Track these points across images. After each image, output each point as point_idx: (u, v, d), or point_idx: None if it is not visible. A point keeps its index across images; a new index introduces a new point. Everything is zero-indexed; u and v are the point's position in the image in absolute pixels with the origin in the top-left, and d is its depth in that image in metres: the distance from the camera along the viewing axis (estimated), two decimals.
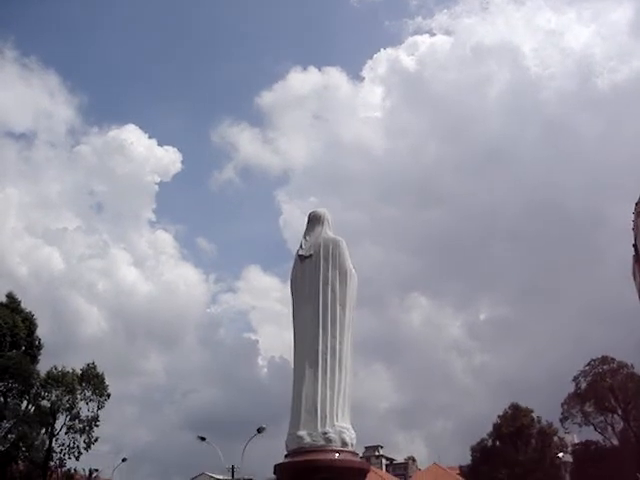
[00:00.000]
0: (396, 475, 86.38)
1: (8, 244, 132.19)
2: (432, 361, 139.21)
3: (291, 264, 12.49)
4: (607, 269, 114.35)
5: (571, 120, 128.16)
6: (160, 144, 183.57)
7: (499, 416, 57.28)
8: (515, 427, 55.45)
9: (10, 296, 55.03)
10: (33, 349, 54.37)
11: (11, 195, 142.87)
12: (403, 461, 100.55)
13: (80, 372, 54.97)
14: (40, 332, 55.71)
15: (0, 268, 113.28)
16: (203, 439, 49.16)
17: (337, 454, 10.65)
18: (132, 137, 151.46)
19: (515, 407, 56.96)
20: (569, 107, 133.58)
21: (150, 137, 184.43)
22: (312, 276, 11.63)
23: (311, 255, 11.84)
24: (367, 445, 72.61)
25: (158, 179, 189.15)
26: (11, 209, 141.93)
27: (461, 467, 66.72)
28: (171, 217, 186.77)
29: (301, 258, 12.01)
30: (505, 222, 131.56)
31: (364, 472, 11.39)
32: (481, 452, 56.92)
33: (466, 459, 60.27)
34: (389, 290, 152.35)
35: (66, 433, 53.98)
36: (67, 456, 53.83)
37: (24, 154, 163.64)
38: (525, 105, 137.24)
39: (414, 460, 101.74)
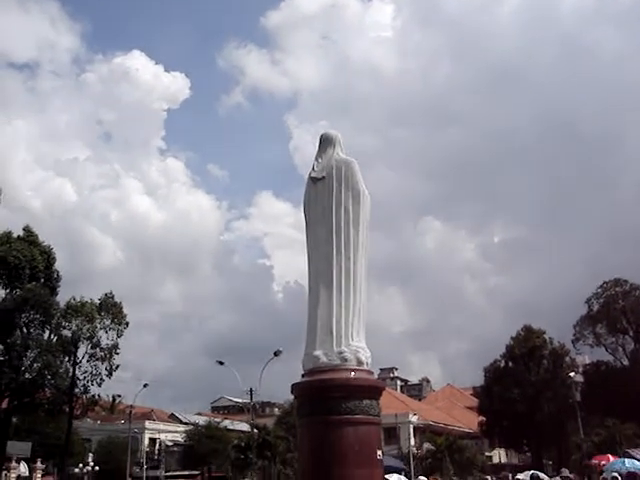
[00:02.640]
0: (411, 396, 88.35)
1: (20, 177, 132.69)
2: (446, 284, 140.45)
3: (303, 189, 12.44)
4: (622, 192, 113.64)
5: (589, 37, 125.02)
6: (167, 70, 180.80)
7: (512, 337, 58.03)
8: (527, 348, 56.21)
9: (27, 230, 55.54)
10: (52, 281, 55.25)
11: (19, 127, 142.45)
12: (417, 382, 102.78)
13: (98, 302, 55.95)
14: (57, 264, 56.47)
15: (14, 202, 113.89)
16: (221, 363, 50.20)
17: (353, 373, 10.83)
18: (138, 64, 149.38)
19: (528, 329, 57.61)
20: (587, 23, 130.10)
21: (156, 63, 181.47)
22: (325, 198, 11.58)
23: (323, 177, 11.75)
24: (382, 367, 73.99)
25: (166, 106, 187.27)
26: (20, 142, 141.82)
27: (474, 388, 68.27)
28: (181, 144, 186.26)
29: (313, 180, 11.93)
30: (520, 143, 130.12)
31: (379, 390, 11.61)
32: (494, 373, 57.94)
33: (479, 380, 61.52)
34: (402, 214, 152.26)
35: (88, 361, 55.43)
36: (90, 383, 55.40)
37: (29, 85, 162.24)
38: (541, 21, 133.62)
39: (428, 381, 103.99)
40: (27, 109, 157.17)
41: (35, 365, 52.22)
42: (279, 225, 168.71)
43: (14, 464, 48.44)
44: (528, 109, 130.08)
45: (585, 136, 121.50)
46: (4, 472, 40.69)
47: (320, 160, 12.06)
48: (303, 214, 12.12)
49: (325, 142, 12.28)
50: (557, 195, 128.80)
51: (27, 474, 48.38)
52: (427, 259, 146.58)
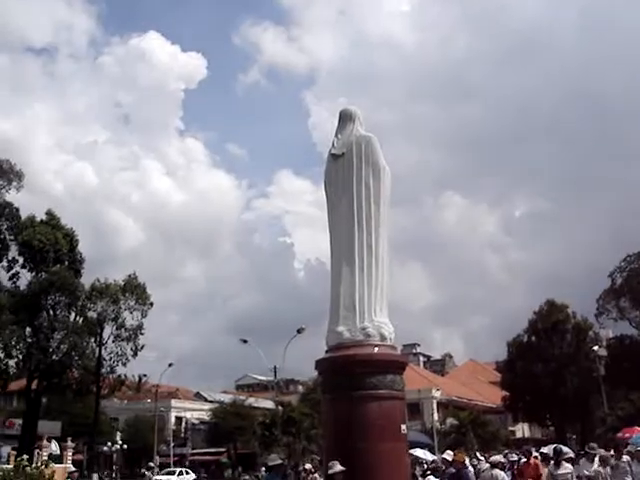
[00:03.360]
0: (433, 371, 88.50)
1: (41, 162, 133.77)
2: (467, 259, 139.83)
3: (323, 166, 12.44)
4: None
5: (610, 6, 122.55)
6: (183, 50, 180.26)
7: (535, 312, 57.74)
8: (551, 323, 55.91)
9: (49, 213, 56.09)
10: (76, 263, 55.88)
11: (38, 112, 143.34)
12: (440, 358, 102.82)
13: (122, 283, 56.54)
14: (80, 246, 57.09)
15: (36, 186, 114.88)
16: (245, 341, 50.55)
17: (376, 348, 10.90)
18: (154, 44, 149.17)
19: (551, 303, 57.26)
20: None
21: (173, 43, 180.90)
22: (345, 174, 11.59)
23: (343, 153, 11.75)
24: (404, 343, 74.08)
25: (183, 86, 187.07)
26: (40, 126, 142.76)
27: (497, 362, 68.12)
28: (200, 124, 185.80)
29: (334, 157, 11.93)
30: (541, 115, 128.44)
31: (402, 365, 11.67)
32: (517, 348, 57.74)
33: (502, 355, 61.34)
34: (423, 189, 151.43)
35: (113, 342, 56.20)
36: (116, 363, 56.22)
37: (47, 69, 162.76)
38: None
39: (451, 356, 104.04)
40: (46, 93, 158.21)
41: (62, 346, 53.04)
42: (299, 203, 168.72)
43: (45, 443, 49.38)
44: (549, 80, 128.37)
45: (607, 107, 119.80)
46: (36, 450, 41.49)
47: (340, 136, 12.05)
48: (324, 191, 12.13)
49: (344, 118, 12.25)
50: (579, 167, 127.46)
51: (58, 452, 49.24)
52: (448, 234, 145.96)
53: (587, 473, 13.23)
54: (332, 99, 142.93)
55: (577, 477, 13.72)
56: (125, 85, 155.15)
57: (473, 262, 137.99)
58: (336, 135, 12.16)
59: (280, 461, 16.40)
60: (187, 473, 53.78)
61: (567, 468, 13.64)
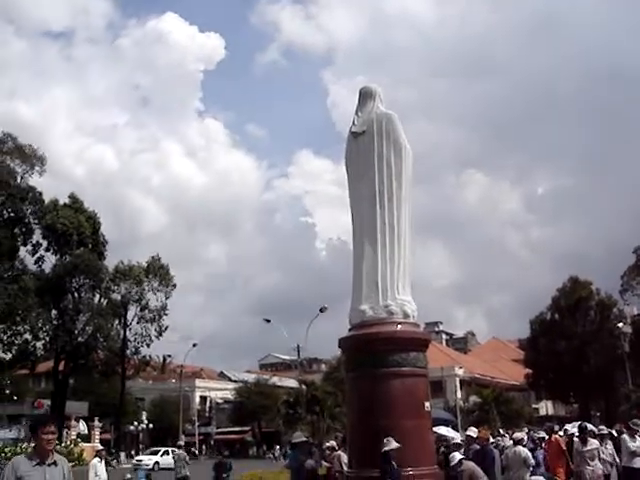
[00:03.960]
0: (456, 349, 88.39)
1: (62, 146, 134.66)
2: (489, 236, 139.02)
3: (343, 145, 12.40)
4: None
5: None
6: (201, 31, 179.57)
7: (558, 289, 57.35)
8: (574, 300, 55.51)
9: (72, 197, 56.60)
10: (99, 246, 56.44)
11: (58, 96, 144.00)
12: (462, 336, 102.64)
13: (146, 265, 57.00)
14: (103, 229, 57.60)
15: (57, 170, 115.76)
16: (268, 321, 50.80)
17: (399, 326, 10.92)
18: (172, 26, 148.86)
19: (574, 280, 56.80)
20: None
21: (190, 24, 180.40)
22: (366, 152, 11.54)
23: (364, 131, 11.69)
24: (427, 321, 74.00)
25: (202, 67, 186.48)
26: (60, 110, 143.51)
27: (520, 340, 67.84)
28: (219, 105, 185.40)
29: (354, 135, 11.87)
30: (563, 91, 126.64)
31: (425, 342, 11.69)
32: (540, 325, 57.47)
33: (525, 332, 61.10)
34: (444, 167, 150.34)
35: (138, 323, 56.91)
36: (141, 344, 56.95)
37: (65, 53, 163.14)
38: None
39: (473, 334, 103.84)
40: (65, 77, 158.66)
41: (87, 328, 53.76)
42: (320, 182, 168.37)
43: (74, 423, 50.26)
44: (570, 56, 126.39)
45: (630, 83, 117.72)
46: (65, 430, 42.31)
47: (360, 114, 11.99)
48: (345, 169, 12.10)
49: (365, 96, 12.17)
50: (602, 144, 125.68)
51: (86, 432, 50.14)
52: (470, 212, 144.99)
53: (633, 448, 13.19)
54: (350, 77, 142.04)
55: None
56: (143, 67, 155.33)
57: (495, 240, 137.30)
58: (356, 113, 12.09)
59: (304, 438, 16.57)
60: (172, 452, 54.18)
61: (593, 444, 13.63)
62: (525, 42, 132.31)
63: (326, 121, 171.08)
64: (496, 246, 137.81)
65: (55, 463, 5.24)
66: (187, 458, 22.87)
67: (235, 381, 74.99)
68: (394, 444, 9.51)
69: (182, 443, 27.15)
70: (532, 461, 13.22)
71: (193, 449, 57.39)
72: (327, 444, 17.02)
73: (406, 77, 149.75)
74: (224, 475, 19.12)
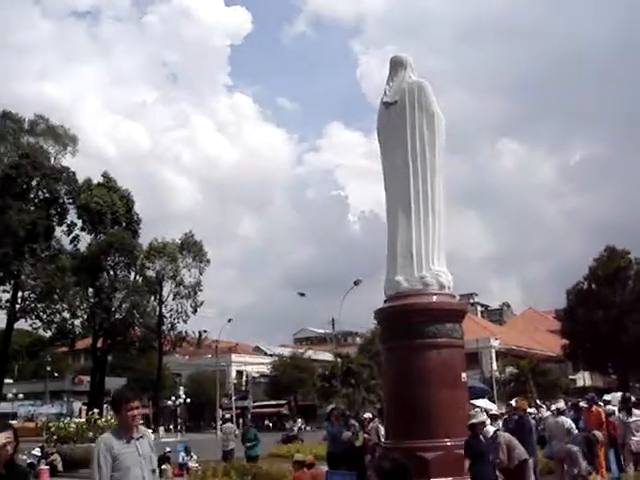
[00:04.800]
0: (491, 321, 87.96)
1: (93, 124, 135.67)
2: (525, 206, 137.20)
3: (373, 117, 12.24)
4: None
5: None
6: (227, 4, 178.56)
7: (595, 259, 56.49)
8: (611, 269, 54.65)
9: (105, 176, 57.20)
10: (133, 224, 57.07)
11: (87, 75, 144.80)
12: (498, 307, 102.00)
13: (179, 241, 57.50)
14: (136, 207, 58.17)
15: (89, 149, 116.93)
16: (302, 295, 50.97)
17: (434, 297, 10.83)
18: (197, 1, 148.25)
19: (611, 249, 55.87)
20: None
21: None
22: (399, 122, 11.35)
23: (396, 101, 11.50)
24: (462, 293, 73.55)
25: (229, 41, 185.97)
26: (89, 89, 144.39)
27: (556, 311, 67.04)
28: (247, 79, 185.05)
29: (386, 105, 11.70)
30: (599, 57, 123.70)
31: (461, 313, 11.58)
32: (577, 295, 56.74)
33: (561, 303, 60.39)
34: (478, 136, 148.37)
35: (173, 299, 57.66)
36: (177, 320, 57.72)
37: (92, 32, 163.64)
38: None
39: (509, 306, 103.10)
40: (93, 57, 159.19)
41: (124, 305, 54.62)
42: (351, 155, 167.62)
43: None
44: (607, 22, 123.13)
45: None
46: (105, 405, 43.13)
47: (391, 84, 11.79)
48: (377, 140, 11.95)
49: (395, 65, 11.96)
50: (638, 111, 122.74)
51: None
52: (505, 181, 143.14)
53: None
54: (380, 47, 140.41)
55: None
56: (171, 44, 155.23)
57: (530, 209, 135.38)
58: (388, 83, 11.90)
59: (332, 405, 16.69)
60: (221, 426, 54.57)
61: (638, 415, 13.44)
62: (560, 7, 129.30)
63: (356, 92, 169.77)
64: (531, 216, 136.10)
65: (142, 436, 5.15)
66: (236, 431, 23.07)
67: (270, 355, 75.63)
68: (481, 417, 9.48)
69: (229, 416, 27.45)
70: (576, 431, 13.10)
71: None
72: (364, 415, 17.11)
73: (437, 45, 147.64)
74: (248, 444, 19.09)
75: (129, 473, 4.89)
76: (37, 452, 21.40)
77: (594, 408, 15.67)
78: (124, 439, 4.99)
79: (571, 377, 70.08)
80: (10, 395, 58.96)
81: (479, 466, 10.00)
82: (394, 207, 11.30)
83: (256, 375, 74.87)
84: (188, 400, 63.08)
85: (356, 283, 45.63)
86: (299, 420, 58.55)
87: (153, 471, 5.15)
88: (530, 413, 14.19)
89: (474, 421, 9.52)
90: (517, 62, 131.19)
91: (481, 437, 9.77)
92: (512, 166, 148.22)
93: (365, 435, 14.58)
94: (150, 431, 5.36)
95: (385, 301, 11.31)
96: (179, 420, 64.58)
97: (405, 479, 3.79)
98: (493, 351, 65.75)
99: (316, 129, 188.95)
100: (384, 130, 11.76)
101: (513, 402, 14.68)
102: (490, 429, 12.62)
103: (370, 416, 16.51)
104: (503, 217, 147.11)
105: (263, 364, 73.30)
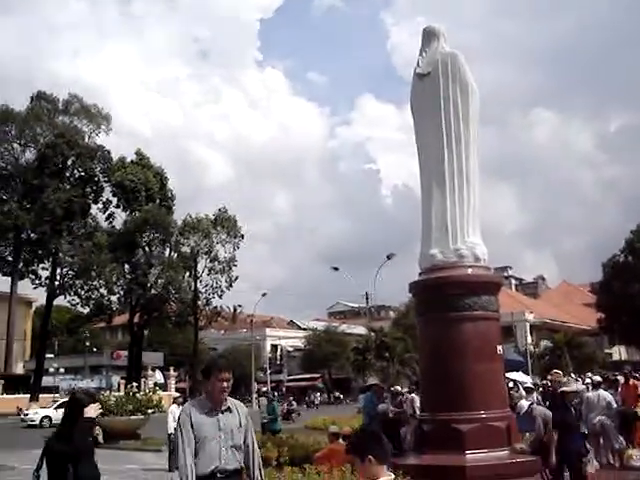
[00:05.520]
0: (526, 294, 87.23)
1: (125, 103, 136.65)
2: (559, 177, 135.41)
3: (405, 89, 12.15)
4: None
5: None
6: None
7: (632, 231, 55.64)
8: None
9: (139, 153, 57.76)
10: (167, 201, 57.70)
11: (118, 53, 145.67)
12: (532, 280, 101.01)
13: (213, 217, 57.91)
14: (170, 184, 58.69)
15: (122, 127, 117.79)
16: (336, 269, 51.15)
17: (470, 269, 10.78)
18: None
19: None
20: None
21: None
22: (432, 94, 11.23)
23: (429, 72, 11.37)
24: (496, 266, 73.03)
25: (259, 16, 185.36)
26: (121, 67, 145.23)
27: (592, 284, 66.33)
28: (278, 53, 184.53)
29: (419, 76, 11.58)
30: (635, 26, 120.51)
31: (497, 286, 11.51)
32: (613, 268, 56.00)
33: (597, 276, 59.67)
34: (512, 108, 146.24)
35: (208, 274, 58.27)
36: (212, 295, 58.34)
37: (124, 10, 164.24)
38: None
39: (543, 279, 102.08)
40: (124, 35, 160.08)
41: (159, 281, 55.39)
42: (383, 128, 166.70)
43: (150, 372, 52.24)
44: None
45: None
46: (142, 379, 44.04)
47: (424, 55, 11.65)
48: (410, 112, 11.85)
49: (428, 36, 11.79)
50: None
51: (162, 381, 52.04)
52: (539, 152, 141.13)
53: None
54: (411, 19, 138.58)
55: None
56: (201, 19, 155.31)
57: (565, 181, 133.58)
58: (420, 54, 11.76)
59: (376, 381, 16.83)
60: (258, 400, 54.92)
61: None
62: None
63: (387, 65, 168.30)
64: (566, 187, 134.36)
65: (229, 409, 4.73)
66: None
67: (304, 329, 76.22)
68: (574, 385, 9.44)
69: (266, 389, 27.83)
70: (615, 405, 13.03)
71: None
72: (392, 389, 17.22)
73: (469, 17, 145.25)
74: (267, 419, 19.23)
75: (204, 447, 4.53)
76: None
77: (631, 382, 15.54)
78: (206, 409, 4.66)
79: (607, 351, 69.45)
80: (52, 370, 60.38)
81: (568, 437, 10.02)
82: (428, 179, 11.23)
83: (290, 349, 75.57)
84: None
85: (389, 257, 45.61)
86: (318, 393, 59.15)
87: (236, 447, 4.66)
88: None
89: (566, 389, 9.38)
90: (552, 32, 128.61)
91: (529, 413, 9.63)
92: (546, 137, 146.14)
93: (393, 408, 14.65)
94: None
95: (420, 274, 11.29)
96: None
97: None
98: (527, 325, 65.39)
99: (347, 102, 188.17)
100: (417, 102, 11.64)
101: (549, 376, 14.62)
102: (524, 403, 12.62)
103: (400, 389, 16.61)
104: (537, 189, 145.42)
105: (297, 338, 73.92)
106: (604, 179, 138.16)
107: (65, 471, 4.29)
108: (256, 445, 4.80)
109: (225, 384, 4.66)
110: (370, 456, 3.48)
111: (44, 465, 4.51)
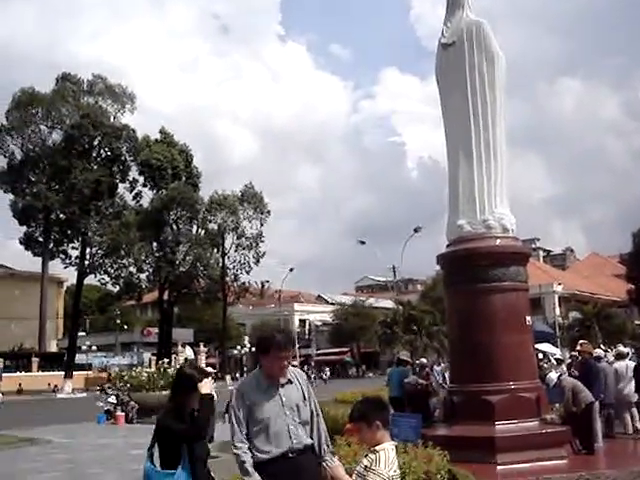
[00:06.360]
0: (554, 266, 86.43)
1: (148, 81, 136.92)
2: (588, 146, 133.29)
3: (428, 61, 12.02)
4: None
5: None
6: None
7: None
8: None
9: (163, 132, 57.97)
10: (193, 178, 57.96)
11: (140, 31, 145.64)
12: (561, 252, 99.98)
13: (240, 193, 58.08)
14: (195, 161, 58.90)
15: (144, 106, 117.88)
16: (363, 243, 51.18)
17: (498, 240, 10.71)
18: None
19: None
20: None
21: None
22: (457, 63, 11.08)
23: (454, 42, 11.20)
24: (523, 238, 72.40)
25: None
26: (143, 43, 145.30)
27: (622, 255, 65.45)
28: (300, 27, 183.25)
29: (444, 46, 11.42)
30: None
31: (525, 256, 11.44)
32: None
33: (627, 246, 58.84)
34: (538, 76, 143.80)
35: (235, 251, 58.63)
36: (240, 271, 58.74)
37: None
38: None
39: (572, 250, 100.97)
40: (145, 13, 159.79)
41: (188, 258, 55.90)
42: (408, 101, 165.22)
43: (180, 348, 52.74)
44: None
45: None
46: (173, 355, 44.57)
47: (449, 25, 11.48)
48: (436, 83, 11.73)
49: (452, 5, 11.61)
50: None
51: (192, 357, 52.55)
52: (566, 121, 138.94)
53: None
54: None
55: None
56: None
57: (594, 150, 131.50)
58: (445, 23, 11.59)
59: (405, 357, 16.90)
60: None
61: None
62: None
63: (410, 36, 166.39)
64: (595, 156, 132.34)
65: (290, 381, 4.17)
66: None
67: (332, 304, 76.49)
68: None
69: (296, 363, 28.11)
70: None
71: None
72: (417, 361, 17.28)
73: None
74: None
75: (268, 428, 4.00)
76: (112, 400, 22.38)
77: None
78: (264, 386, 4.11)
79: (637, 322, 68.73)
80: (84, 347, 61.51)
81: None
82: (455, 150, 11.13)
83: (319, 323, 75.98)
84: (253, 349, 64.61)
85: (416, 230, 45.53)
86: (327, 369, 59.55)
87: (304, 423, 4.11)
88: (598, 357, 13.98)
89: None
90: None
91: None
92: (573, 105, 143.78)
93: (421, 380, 14.69)
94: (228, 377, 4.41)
95: (447, 246, 11.24)
96: (245, 368, 66.33)
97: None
98: (556, 296, 64.93)
99: (371, 76, 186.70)
100: (443, 72, 11.50)
101: (578, 346, 14.51)
102: (553, 375, 12.58)
103: (423, 362, 16.69)
104: (565, 158, 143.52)
105: (325, 312, 74.23)
106: (634, 147, 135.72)
107: (180, 450, 4.04)
108: (321, 417, 4.25)
109: (285, 363, 4.13)
110: (377, 421, 3.62)
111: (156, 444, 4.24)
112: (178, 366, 27.24)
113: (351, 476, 3.77)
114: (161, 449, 4.15)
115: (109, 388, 22.86)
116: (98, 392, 23.02)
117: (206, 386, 4.20)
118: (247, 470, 3.90)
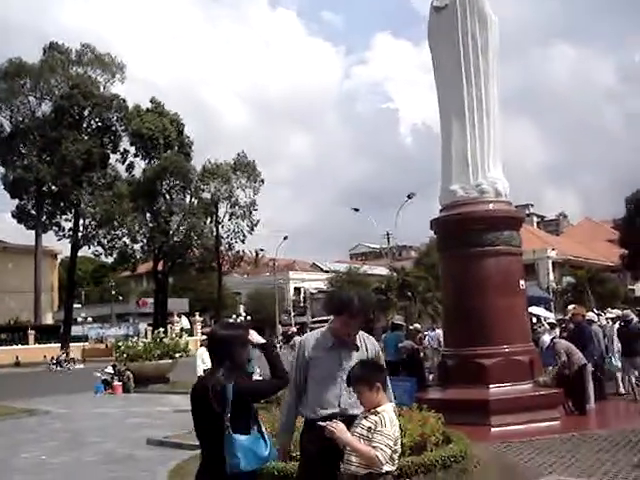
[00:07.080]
0: (548, 232, 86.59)
1: (137, 50, 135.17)
2: (582, 111, 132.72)
3: (422, 26, 11.90)
4: None
5: None
6: None
7: None
8: None
9: (153, 101, 57.38)
10: (185, 147, 57.52)
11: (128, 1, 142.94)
12: (554, 218, 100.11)
13: (232, 162, 57.74)
14: (186, 130, 58.40)
15: (136, 75, 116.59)
16: (357, 210, 51.09)
17: (491, 204, 10.73)
18: None
19: None
20: None
21: None
22: (450, 27, 10.97)
23: (447, 5, 11.09)
24: (517, 204, 72.43)
25: None
26: (131, 14, 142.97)
27: (615, 220, 65.59)
28: None
29: (436, 10, 11.30)
30: None
31: (519, 221, 11.48)
32: (636, 203, 55.23)
33: (620, 211, 58.91)
34: (531, 40, 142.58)
35: (229, 220, 58.45)
36: (234, 240, 58.63)
37: None
38: None
39: (565, 216, 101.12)
40: None
41: (181, 228, 55.78)
42: (401, 66, 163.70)
43: (176, 318, 53.03)
44: None
45: None
46: (169, 325, 44.75)
47: None
48: (428, 47, 11.62)
49: None
50: None
51: (188, 326, 52.85)
52: (560, 86, 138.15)
53: None
54: None
55: None
56: None
57: (587, 114, 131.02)
58: None
59: (399, 321, 17.02)
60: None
61: None
62: None
63: (403, 1, 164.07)
64: (589, 121, 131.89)
65: (357, 347, 4.00)
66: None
67: (327, 271, 76.53)
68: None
69: (295, 330, 28.15)
70: None
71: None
72: (411, 327, 17.44)
73: None
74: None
75: (320, 387, 3.96)
76: (110, 370, 22.49)
77: None
78: (328, 344, 4.01)
79: (630, 287, 69.16)
80: (80, 319, 61.57)
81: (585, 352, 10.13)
82: (447, 115, 11.07)
83: (314, 291, 76.09)
84: (248, 317, 64.92)
85: (410, 197, 45.48)
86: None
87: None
88: (590, 320, 14.08)
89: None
90: None
91: None
92: (567, 69, 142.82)
93: (415, 344, 14.82)
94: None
95: (441, 210, 11.26)
96: None
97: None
98: (550, 262, 65.16)
99: (363, 41, 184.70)
100: (435, 36, 11.40)
101: (570, 308, 14.63)
102: (547, 338, 12.69)
103: (418, 327, 16.77)
104: (558, 123, 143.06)
105: (320, 280, 74.31)
106: (628, 110, 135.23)
107: (250, 409, 3.72)
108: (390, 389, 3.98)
109: (352, 331, 3.98)
110: (377, 383, 3.61)
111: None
112: (174, 335, 27.46)
113: None
114: (233, 415, 3.56)
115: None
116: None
117: (255, 335, 3.92)
118: (278, 431, 4.18)
